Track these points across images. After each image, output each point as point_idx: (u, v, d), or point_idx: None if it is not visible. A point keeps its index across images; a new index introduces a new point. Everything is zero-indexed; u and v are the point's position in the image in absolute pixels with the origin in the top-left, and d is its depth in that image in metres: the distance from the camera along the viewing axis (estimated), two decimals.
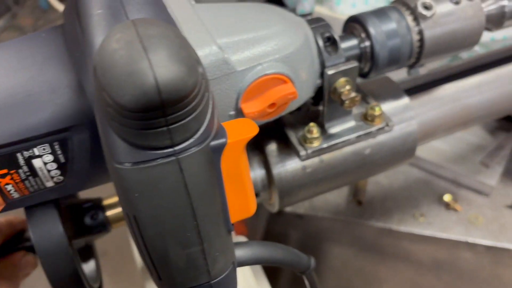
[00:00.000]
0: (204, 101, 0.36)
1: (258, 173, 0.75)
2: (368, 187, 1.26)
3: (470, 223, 1.17)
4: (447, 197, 1.20)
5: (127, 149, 0.35)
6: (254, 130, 0.40)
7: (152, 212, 0.38)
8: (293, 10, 1.42)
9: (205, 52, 0.53)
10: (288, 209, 1.30)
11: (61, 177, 0.51)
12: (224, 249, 0.45)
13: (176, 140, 0.35)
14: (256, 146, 0.76)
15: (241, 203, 0.45)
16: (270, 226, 1.40)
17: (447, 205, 1.21)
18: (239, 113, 0.59)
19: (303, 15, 1.42)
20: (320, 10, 1.28)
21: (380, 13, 0.70)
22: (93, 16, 0.45)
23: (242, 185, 0.44)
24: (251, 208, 0.46)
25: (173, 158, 0.36)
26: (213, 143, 0.38)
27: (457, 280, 1.16)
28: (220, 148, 0.39)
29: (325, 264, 1.24)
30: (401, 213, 1.20)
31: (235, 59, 0.56)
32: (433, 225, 1.17)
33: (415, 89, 0.86)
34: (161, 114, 0.33)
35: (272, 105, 0.59)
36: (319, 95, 0.69)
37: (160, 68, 0.32)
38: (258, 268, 0.81)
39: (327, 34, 0.66)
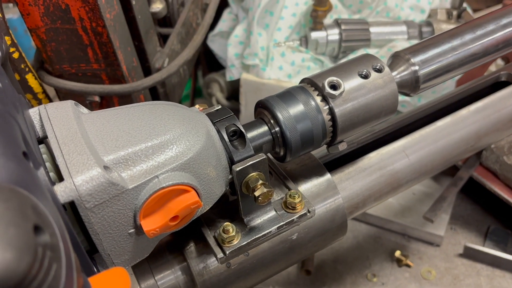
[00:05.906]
0: (51, 275, 0.31)
1: (179, 277, 0.70)
2: None
3: (423, 278, 1.13)
4: (398, 253, 1.17)
5: None
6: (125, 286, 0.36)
7: None
8: None
9: (86, 178, 0.48)
10: None
11: None
12: None
13: None
14: (175, 248, 0.71)
15: None
16: None
17: (399, 262, 1.17)
18: (139, 230, 0.54)
19: (232, 81, 1.41)
20: (247, 77, 1.26)
21: (286, 96, 0.67)
22: None
23: None
24: None
25: None
26: None
27: None
28: None
29: None
30: (353, 275, 1.16)
31: (126, 176, 0.52)
32: (387, 285, 1.13)
33: (340, 160, 0.83)
34: None
35: (175, 217, 0.54)
36: (234, 187, 0.65)
37: None
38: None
39: (232, 128, 0.62)
